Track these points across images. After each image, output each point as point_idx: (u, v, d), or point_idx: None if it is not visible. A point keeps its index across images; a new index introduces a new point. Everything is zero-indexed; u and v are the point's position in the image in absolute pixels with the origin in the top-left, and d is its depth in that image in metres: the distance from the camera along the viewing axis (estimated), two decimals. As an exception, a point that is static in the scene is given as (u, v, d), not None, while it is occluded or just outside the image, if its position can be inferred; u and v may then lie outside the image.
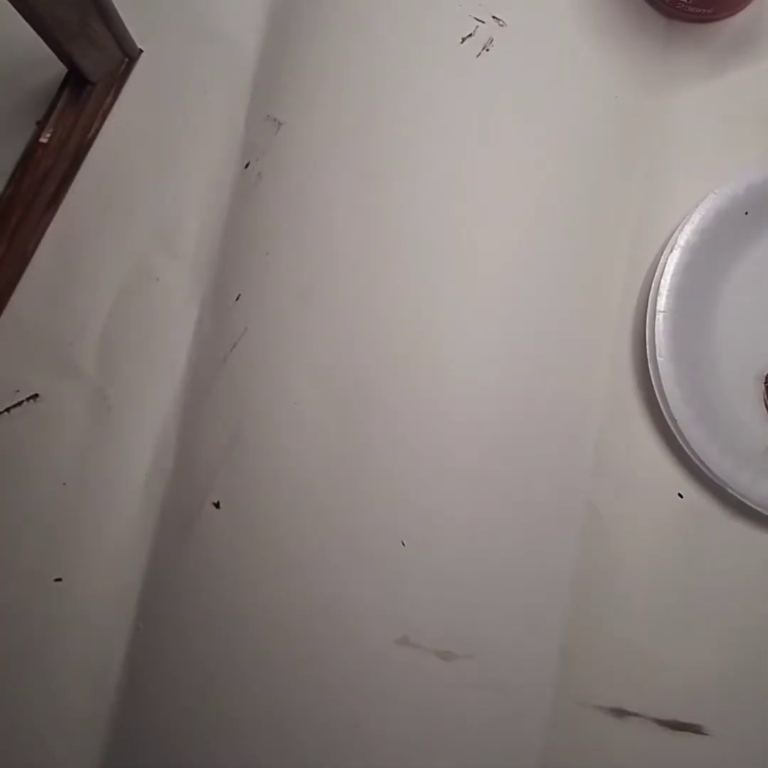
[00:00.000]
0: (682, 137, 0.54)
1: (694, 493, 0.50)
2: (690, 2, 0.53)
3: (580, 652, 0.50)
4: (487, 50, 0.55)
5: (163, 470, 0.53)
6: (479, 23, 0.55)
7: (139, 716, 0.51)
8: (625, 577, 0.50)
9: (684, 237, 0.50)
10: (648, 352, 0.49)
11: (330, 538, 0.51)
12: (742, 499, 0.48)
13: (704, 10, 0.53)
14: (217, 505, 0.52)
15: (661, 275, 0.50)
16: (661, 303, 0.49)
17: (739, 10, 0.54)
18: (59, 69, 0.55)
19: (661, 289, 0.50)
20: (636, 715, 0.49)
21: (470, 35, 0.55)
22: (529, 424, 0.51)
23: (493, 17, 0.55)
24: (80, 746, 0.51)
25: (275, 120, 0.55)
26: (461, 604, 0.50)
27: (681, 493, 0.50)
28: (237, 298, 0.54)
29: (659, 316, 0.49)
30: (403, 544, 0.50)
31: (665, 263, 0.50)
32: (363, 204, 0.54)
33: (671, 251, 0.50)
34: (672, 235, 0.51)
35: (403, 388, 0.52)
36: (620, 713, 0.49)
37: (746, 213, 0.50)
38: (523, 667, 0.50)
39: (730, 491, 0.48)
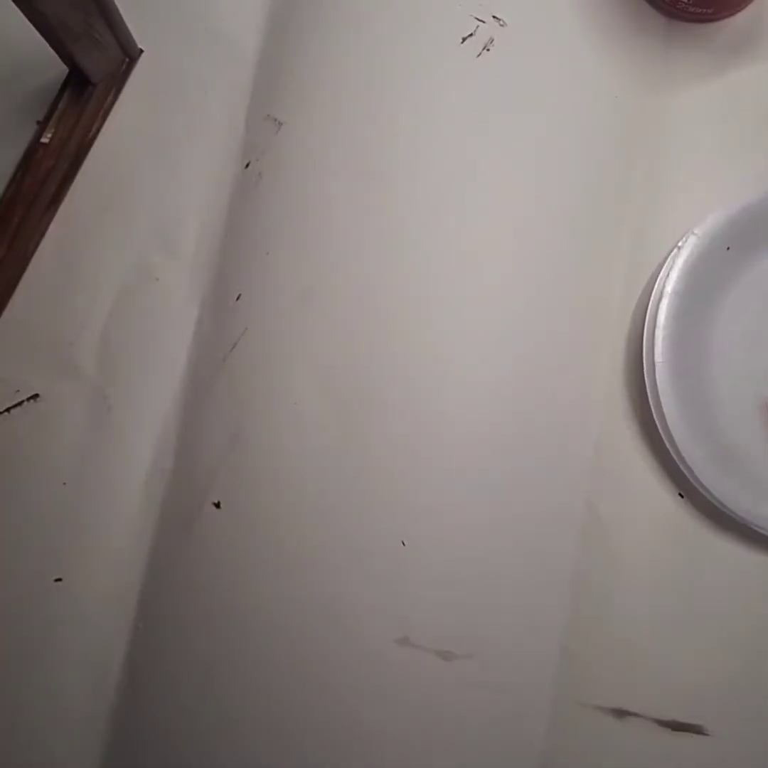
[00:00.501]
0: (682, 137, 0.54)
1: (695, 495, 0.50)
2: (690, 2, 0.53)
3: (580, 652, 0.50)
4: (488, 50, 0.55)
5: (163, 470, 0.53)
6: (479, 23, 0.55)
7: (139, 716, 0.51)
8: (625, 577, 0.50)
9: (671, 284, 0.49)
10: (652, 402, 0.49)
11: (330, 538, 0.51)
12: (750, 527, 0.48)
13: (704, 10, 0.53)
14: (217, 505, 0.52)
15: (654, 327, 0.49)
16: (658, 354, 0.49)
17: (739, 10, 0.54)
18: (60, 69, 0.55)
19: (655, 340, 0.49)
20: (636, 715, 0.49)
21: (470, 35, 0.55)
22: (529, 423, 0.51)
23: (494, 17, 0.55)
24: (80, 746, 0.51)
25: (275, 120, 0.55)
26: (461, 604, 0.50)
27: (681, 492, 0.50)
28: (237, 298, 0.54)
29: (658, 367, 0.49)
30: (403, 544, 0.50)
31: (656, 313, 0.49)
32: (363, 204, 0.54)
33: (660, 300, 0.49)
34: (658, 277, 0.50)
35: (403, 388, 0.52)
36: (620, 713, 0.49)
37: (728, 249, 0.50)
38: (523, 667, 0.50)
39: (738, 520, 0.48)
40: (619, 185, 0.54)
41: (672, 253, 0.50)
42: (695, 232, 0.50)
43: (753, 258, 0.51)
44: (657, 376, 0.49)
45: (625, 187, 0.53)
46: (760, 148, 0.53)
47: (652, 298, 0.50)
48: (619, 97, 0.54)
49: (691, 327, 0.50)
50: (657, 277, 0.50)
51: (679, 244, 0.50)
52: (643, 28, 0.55)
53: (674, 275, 0.50)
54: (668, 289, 0.50)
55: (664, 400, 0.49)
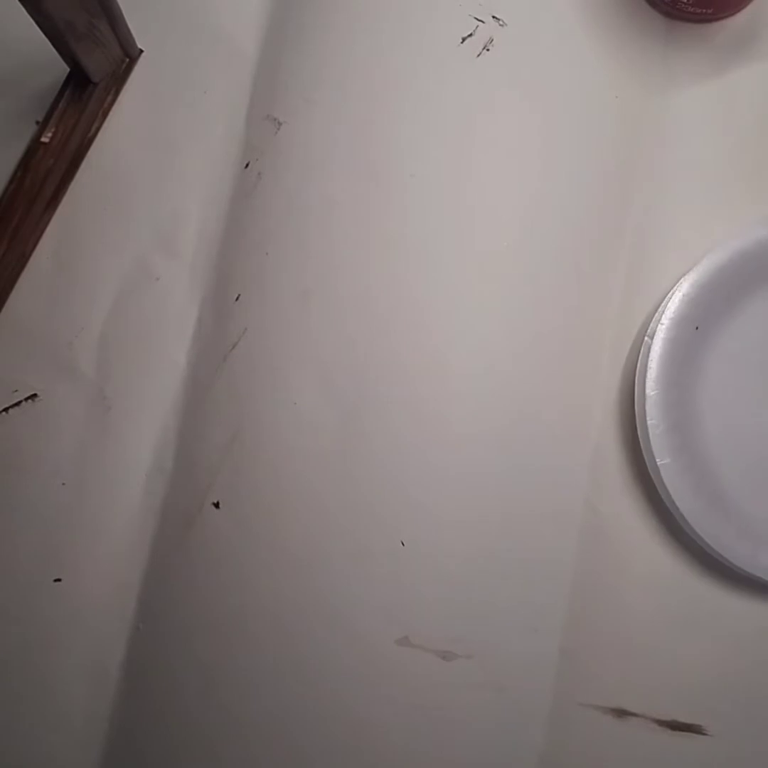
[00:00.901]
0: (682, 137, 0.54)
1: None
2: (690, 2, 0.53)
3: (580, 652, 0.50)
4: (487, 50, 0.55)
5: (163, 470, 0.53)
6: (479, 23, 0.55)
7: (139, 716, 0.51)
8: (625, 577, 0.50)
9: (650, 383, 0.49)
10: (647, 460, 0.49)
11: (330, 538, 0.51)
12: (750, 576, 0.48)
13: (704, 10, 0.53)
14: (217, 505, 0.52)
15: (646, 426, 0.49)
16: (656, 452, 0.49)
17: (739, 10, 0.54)
18: (61, 69, 0.55)
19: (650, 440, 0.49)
20: (636, 715, 0.49)
21: (470, 35, 0.55)
22: (529, 423, 0.51)
23: (493, 17, 0.55)
24: (80, 746, 0.51)
25: (275, 120, 0.55)
26: (461, 604, 0.50)
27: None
28: (237, 298, 0.54)
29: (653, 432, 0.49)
30: (403, 544, 0.50)
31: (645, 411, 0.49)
32: (363, 204, 0.54)
33: (645, 400, 0.49)
34: (637, 375, 0.50)
35: (402, 388, 0.52)
36: (620, 713, 0.49)
37: (696, 328, 0.50)
38: (523, 667, 0.50)
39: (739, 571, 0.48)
40: (620, 185, 0.53)
41: (645, 343, 0.50)
42: (662, 321, 0.50)
43: (722, 325, 0.51)
44: (650, 431, 0.49)
45: (626, 187, 0.53)
46: (760, 148, 0.53)
47: (636, 398, 0.50)
48: (619, 97, 0.54)
49: (680, 417, 0.50)
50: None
51: (649, 332, 0.50)
52: (643, 28, 0.55)
53: (652, 372, 0.49)
54: (649, 391, 0.49)
55: (658, 455, 0.49)
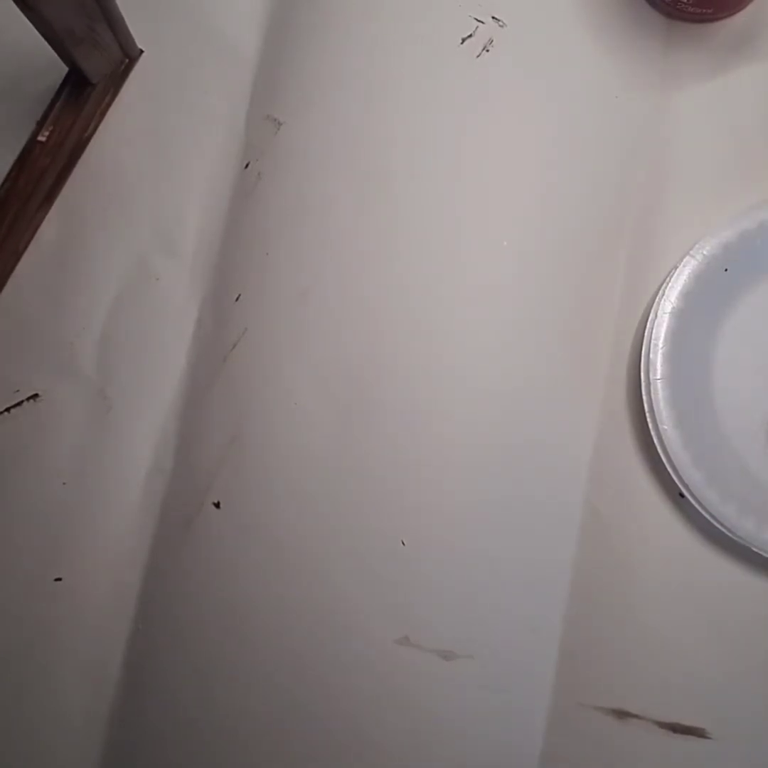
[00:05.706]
0: (682, 137, 0.54)
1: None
2: (690, 2, 0.53)
3: (581, 653, 0.50)
4: (487, 50, 0.55)
5: (163, 470, 0.53)
6: (479, 23, 0.55)
7: (139, 716, 0.51)
8: (625, 578, 0.50)
9: (668, 304, 0.49)
10: (650, 421, 0.49)
11: (330, 537, 0.51)
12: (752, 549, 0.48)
13: (704, 10, 0.53)
14: (217, 505, 0.52)
15: (650, 342, 0.49)
16: (658, 372, 0.49)
17: (739, 10, 0.54)
18: (59, 69, 0.55)
19: (653, 360, 0.49)
20: (637, 716, 0.49)
21: (470, 35, 0.55)
22: (529, 423, 0.51)
23: (493, 17, 0.55)
24: (80, 746, 0.51)
25: (275, 120, 0.55)
26: (461, 603, 0.50)
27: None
28: (237, 298, 0.54)
29: (657, 384, 0.49)
30: (403, 544, 0.50)
31: (653, 333, 0.49)
32: (363, 204, 0.54)
33: (657, 319, 0.49)
34: (656, 298, 0.50)
35: (402, 389, 0.52)
36: (621, 715, 0.49)
37: (726, 270, 0.50)
38: (524, 667, 0.50)
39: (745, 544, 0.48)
40: (620, 185, 0.53)
41: (670, 273, 0.50)
42: (692, 253, 0.50)
43: (753, 279, 0.51)
44: (654, 395, 0.49)
45: (626, 188, 0.53)
46: (760, 148, 0.53)
47: (650, 318, 0.50)
48: (619, 97, 0.54)
49: (690, 347, 0.50)
50: (656, 297, 0.50)
51: (677, 264, 0.50)
52: (643, 28, 0.55)
53: (672, 295, 0.50)
54: (666, 308, 0.49)
55: (661, 420, 0.49)
